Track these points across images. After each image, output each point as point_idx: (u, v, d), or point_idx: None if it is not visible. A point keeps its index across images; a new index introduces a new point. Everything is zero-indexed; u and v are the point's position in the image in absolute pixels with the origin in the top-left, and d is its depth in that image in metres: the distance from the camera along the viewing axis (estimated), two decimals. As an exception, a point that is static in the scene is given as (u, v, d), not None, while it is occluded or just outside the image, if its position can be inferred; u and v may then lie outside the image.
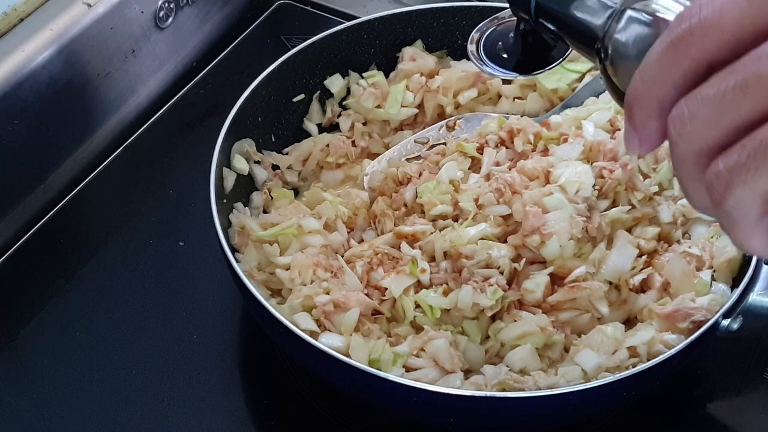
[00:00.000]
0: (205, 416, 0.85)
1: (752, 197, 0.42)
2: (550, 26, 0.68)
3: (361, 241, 0.88)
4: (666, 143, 0.46)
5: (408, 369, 0.77)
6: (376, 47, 1.01)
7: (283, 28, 1.21)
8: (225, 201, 0.88)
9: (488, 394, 0.72)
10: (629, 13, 0.56)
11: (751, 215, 0.42)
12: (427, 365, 0.76)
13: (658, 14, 0.54)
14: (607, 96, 0.91)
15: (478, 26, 0.80)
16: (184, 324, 0.91)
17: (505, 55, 0.78)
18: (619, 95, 0.57)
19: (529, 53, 0.77)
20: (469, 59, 0.98)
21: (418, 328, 0.80)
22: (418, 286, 0.81)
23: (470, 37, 0.79)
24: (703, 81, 0.43)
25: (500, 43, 0.78)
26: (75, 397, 0.86)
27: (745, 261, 0.79)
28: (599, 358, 0.75)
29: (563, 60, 0.77)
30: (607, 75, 0.59)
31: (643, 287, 0.82)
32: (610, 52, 0.58)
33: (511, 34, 0.77)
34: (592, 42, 0.62)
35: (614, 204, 0.84)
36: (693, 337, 0.73)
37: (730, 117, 0.42)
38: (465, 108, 0.98)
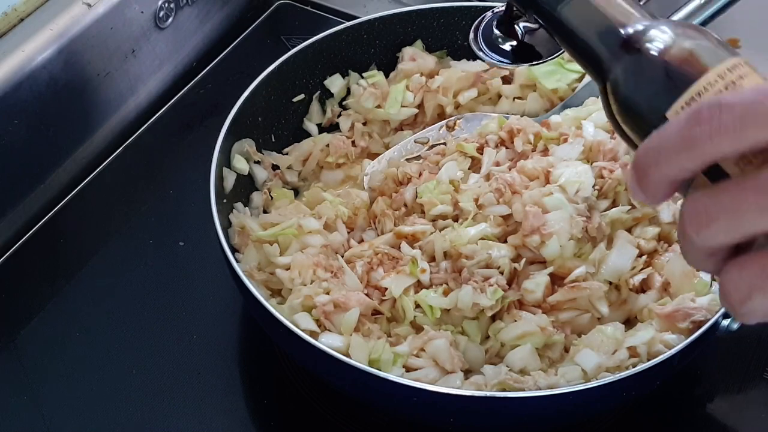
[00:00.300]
0: (205, 416, 0.85)
1: (766, 307, 0.46)
2: (543, 23, 0.65)
3: (361, 241, 0.88)
4: None
5: (408, 369, 0.77)
6: (376, 47, 1.01)
7: (283, 28, 1.21)
8: (225, 201, 0.88)
9: (488, 394, 0.72)
10: (651, 51, 0.52)
11: (761, 316, 0.46)
12: (427, 365, 0.76)
13: (683, 57, 0.51)
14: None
15: (482, 15, 0.80)
16: (184, 324, 0.91)
17: (505, 46, 0.78)
18: (614, 120, 0.55)
19: (528, 45, 0.76)
20: (469, 59, 0.99)
21: (418, 328, 0.80)
22: (418, 286, 0.81)
23: (473, 26, 0.79)
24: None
25: (501, 33, 0.78)
26: (75, 397, 0.86)
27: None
28: (599, 358, 0.75)
29: (561, 54, 0.76)
30: (606, 98, 0.56)
31: (643, 287, 0.82)
32: (619, 87, 0.54)
33: (515, 25, 0.76)
34: (591, 60, 0.58)
35: (614, 204, 0.84)
36: (693, 337, 0.73)
37: (746, 229, 0.44)
38: (465, 108, 0.98)
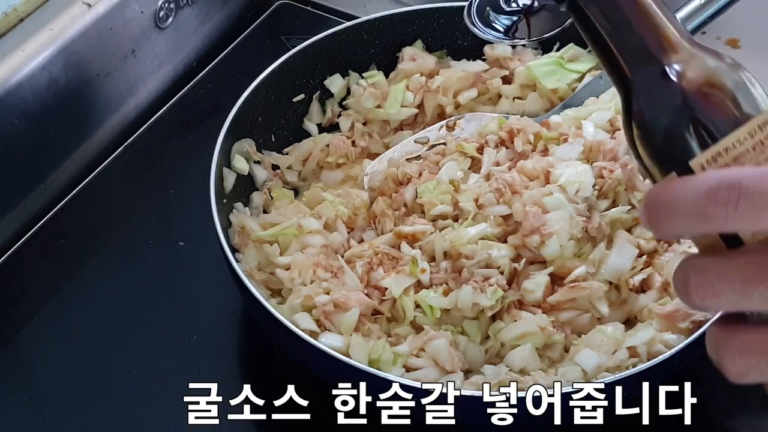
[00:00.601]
0: (205, 416, 0.85)
1: (759, 379, 0.48)
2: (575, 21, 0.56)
3: (361, 241, 0.88)
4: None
5: (408, 369, 0.77)
6: (376, 47, 1.01)
7: (283, 28, 1.21)
8: (225, 201, 0.88)
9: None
10: (688, 89, 0.48)
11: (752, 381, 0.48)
12: (427, 365, 0.76)
13: (720, 103, 0.47)
14: (607, 96, 0.91)
15: None
16: (184, 324, 0.91)
17: (498, 24, 0.78)
18: (632, 141, 0.51)
19: (522, 24, 0.76)
20: (469, 59, 0.99)
21: (418, 328, 0.80)
22: (418, 286, 0.81)
23: (467, 3, 0.79)
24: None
25: (496, 9, 0.78)
26: (75, 397, 0.86)
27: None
28: (599, 358, 0.75)
29: (553, 34, 0.76)
30: (628, 118, 0.51)
31: (643, 287, 0.82)
32: (644, 117, 0.50)
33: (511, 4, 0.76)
34: (619, 75, 0.52)
35: (614, 204, 0.84)
36: (693, 337, 0.73)
37: (750, 307, 0.45)
38: (465, 108, 0.98)
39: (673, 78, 0.49)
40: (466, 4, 0.80)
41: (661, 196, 0.46)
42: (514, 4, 0.76)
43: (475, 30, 0.78)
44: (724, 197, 0.44)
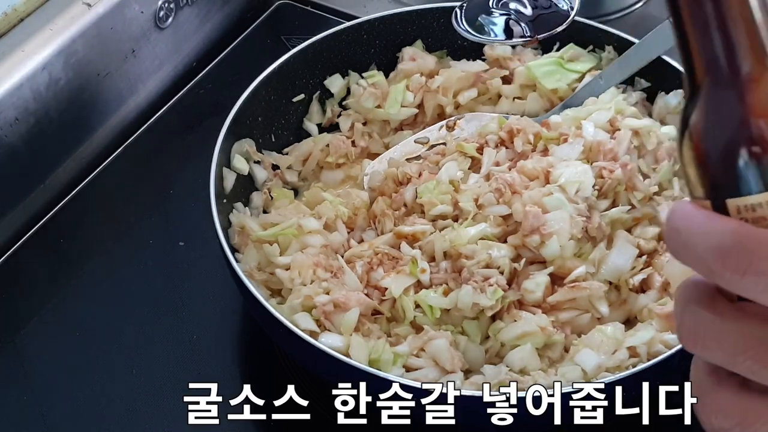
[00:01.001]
0: (205, 416, 0.85)
1: None
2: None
3: (361, 241, 0.88)
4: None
5: (408, 369, 0.77)
6: (376, 47, 1.01)
7: (283, 28, 1.21)
8: (225, 201, 0.88)
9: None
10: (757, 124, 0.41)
11: None
12: (427, 365, 0.77)
13: None
14: (607, 96, 0.91)
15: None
16: (184, 324, 0.91)
17: (487, 26, 0.78)
18: (680, 143, 0.45)
19: (510, 27, 0.76)
20: (469, 59, 0.99)
21: (418, 328, 0.80)
22: (418, 286, 0.81)
23: (457, 6, 0.79)
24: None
25: (486, 12, 0.78)
26: (75, 397, 0.86)
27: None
28: (599, 358, 0.75)
29: (534, 39, 0.76)
30: (684, 121, 0.44)
31: (643, 287, 0.82)
32: (701, 134, 0.43)
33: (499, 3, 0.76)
34: (690, 75, 0.43)
35: (614, 204, 0.84)
36: (693, 337, 0.73)
37: (735, 371, 0.44)
38: (465, 108, 0.98)
39: (743, 105, 0.42)
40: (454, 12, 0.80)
41: (682, 225, 0.43)
42: (502, 6, 0.76)
43: (469, 36, 0.78)
44: (733, 263, 0.41)
